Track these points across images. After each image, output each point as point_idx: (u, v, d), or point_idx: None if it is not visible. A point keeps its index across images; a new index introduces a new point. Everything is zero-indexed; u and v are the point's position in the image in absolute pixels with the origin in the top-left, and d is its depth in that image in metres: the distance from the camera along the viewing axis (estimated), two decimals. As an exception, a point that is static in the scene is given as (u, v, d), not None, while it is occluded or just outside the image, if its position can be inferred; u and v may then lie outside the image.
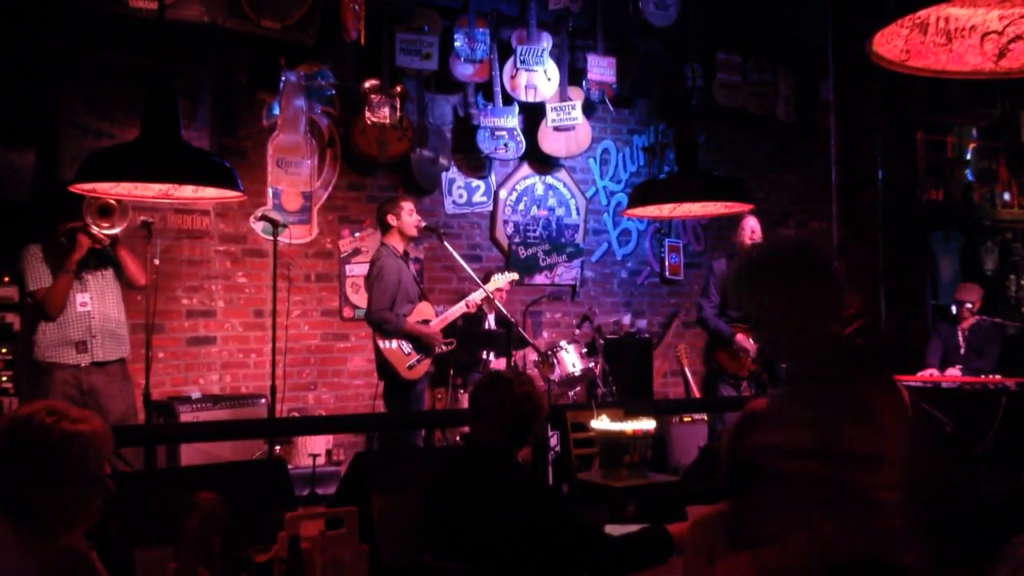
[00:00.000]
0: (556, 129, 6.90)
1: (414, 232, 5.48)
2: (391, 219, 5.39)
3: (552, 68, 6.79)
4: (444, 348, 5.47)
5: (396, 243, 5.42)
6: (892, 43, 2.04)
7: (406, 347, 5.30)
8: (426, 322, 5.39)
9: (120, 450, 4.41)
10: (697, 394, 6.96)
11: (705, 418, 6.10)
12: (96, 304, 4.72)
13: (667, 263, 7.66)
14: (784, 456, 2.02)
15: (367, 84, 6.27)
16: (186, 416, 5.19)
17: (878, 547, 1.92)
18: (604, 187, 7.55)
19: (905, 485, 1.96)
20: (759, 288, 2.10)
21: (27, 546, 1.87)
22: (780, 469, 2.02)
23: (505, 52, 6.76)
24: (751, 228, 6.02)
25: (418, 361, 5.29)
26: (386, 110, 6.27)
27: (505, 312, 5.36)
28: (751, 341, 5.90)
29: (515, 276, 5.94)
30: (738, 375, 6.04)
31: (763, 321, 2.13)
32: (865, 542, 1.90)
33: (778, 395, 2.14)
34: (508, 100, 6.75)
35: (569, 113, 6.89)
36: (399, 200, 5.51)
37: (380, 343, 5.29)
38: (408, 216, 5.40)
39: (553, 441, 4.51)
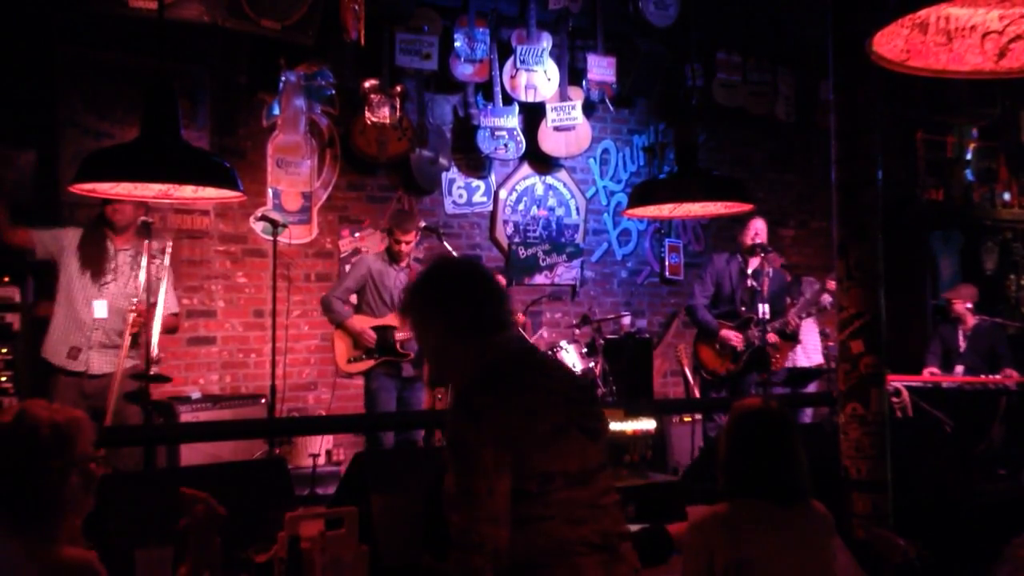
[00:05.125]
0: (556, 129, 6.89)
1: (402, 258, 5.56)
2: (390, 240, 5.55)
3: (552, 68, 6.79)
4: (398, 355, 5.51)
5: (385, 254, 5.58)
6: (892, 43, 2.04)
7: (356, 342, 5.46)
8: (384, 328, 5.44)
9: (120, 450, 4.42)
10: (697, 394, 6.95)
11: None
12: (108, 314, 4.65)
13: (667, 263, 7.66)
14: (448, 507, 1.95)
15: (367, 84, 6.27)
16: (186, 416, 5.18)
17: None
18: (604, 187, 7.55)
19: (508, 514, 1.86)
20: (416, 315, 2.09)
21: (29, 554, 1.87)
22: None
23: (505, 52, 6.75)
24: (755, 230, 5.99)
25: (359, 358, 5.43)
26: (386, 110, 6.27)
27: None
28: (739, 338, 5.87)
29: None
30: (716, 372, 6.02)
31: (425, 349, 2.13)
32: None
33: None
34: (508, 100, 6.74)
35: (569, 113, 6.88)
36: (405, 223, 5.54)
37: (335, 334, 5.51)
38: (405, 247, 5.48)
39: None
